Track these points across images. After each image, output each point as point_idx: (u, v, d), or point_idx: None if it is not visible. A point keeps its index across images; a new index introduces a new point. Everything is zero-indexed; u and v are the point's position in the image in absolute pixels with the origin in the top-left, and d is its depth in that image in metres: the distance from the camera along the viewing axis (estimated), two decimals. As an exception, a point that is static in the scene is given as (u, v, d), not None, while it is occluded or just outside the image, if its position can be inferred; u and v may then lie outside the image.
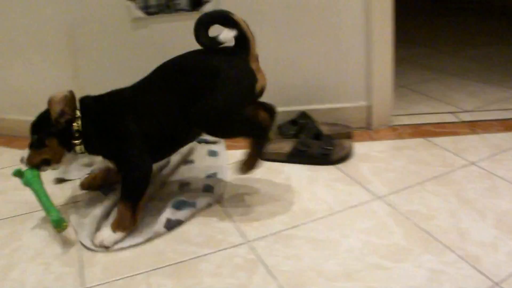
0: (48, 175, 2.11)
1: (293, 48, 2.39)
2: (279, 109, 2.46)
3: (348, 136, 2.38)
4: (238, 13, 2.31)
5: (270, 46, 2.40)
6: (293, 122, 2.43)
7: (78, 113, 1.84)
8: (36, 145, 1.87)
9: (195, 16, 2.33)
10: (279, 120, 2.47)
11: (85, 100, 1.91)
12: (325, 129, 2.35)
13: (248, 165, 1.88)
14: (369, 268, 1.51)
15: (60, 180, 2.33)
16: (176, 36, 2.44)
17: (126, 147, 1.79)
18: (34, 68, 2.79)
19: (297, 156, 2.20)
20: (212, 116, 1.72)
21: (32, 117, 2.91)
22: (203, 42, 1.79)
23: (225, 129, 1.80)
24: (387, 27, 2.32)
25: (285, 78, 2.46)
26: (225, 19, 1.78)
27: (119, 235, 1.74)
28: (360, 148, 2.31)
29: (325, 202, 1.89)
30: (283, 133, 2.40)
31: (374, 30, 2.33)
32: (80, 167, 2.38)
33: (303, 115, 2.42)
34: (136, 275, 1.61)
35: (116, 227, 1.76)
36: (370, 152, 2.26)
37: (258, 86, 1.81)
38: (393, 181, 2.01)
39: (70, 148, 1.83)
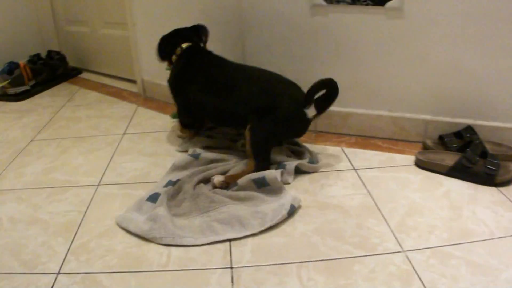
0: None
1: (471, 57, 2.27)
2: (443, 118, 2.38)
3: (512, 159, 2.26)
4: (419, 18, 2.26)
5: (444, 50, 2.30)
6: (458, 135, 2.33)
7: (178, 51, 2.43)
8: None
9: (373, 10, 2.30)
10: (442, 130, 2.38)
11: (193, 47, 2.45)
12: (488, 148, 2.23)
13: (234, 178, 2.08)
14: (530, 305, 1.41)
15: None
16: (353, 28, 2.40)
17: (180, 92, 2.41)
18: (203, 40, 2.82)
19: (460, 172, 2.11)
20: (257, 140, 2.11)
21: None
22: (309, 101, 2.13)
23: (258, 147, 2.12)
24: None
25: (455, 87, 2.35)
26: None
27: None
28: (524, 174, 2.17)
29: (485, 224, 1.79)
30: (445, 144, 2.31)
31: None
32: None
33: (469, 129, 2.32)
34: (286, 264, 1.60)
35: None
36: (534, 181, 2.13)
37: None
38: (560, 216, 1.87)
39: None
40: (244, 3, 2.56)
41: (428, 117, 2.43)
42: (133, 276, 1.55)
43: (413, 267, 1.56)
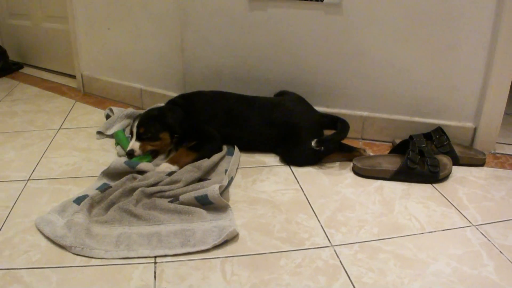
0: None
1: (407, 55, 2.30)
2: (380, 115, 2.40)
3: (481, 164, 2.26)
4: (357, 15, 2.26)
5: (380, 47, 2.32)
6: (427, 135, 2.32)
7: None
8: None
9: (312, 5, 2.30)
10: (379, 126, 2.40)
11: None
12: (457, 151, 2.25)
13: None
14: (455, 298, 1.41)
15: (100, 133, 2.54)
16: (292, 23, 2.39)
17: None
18: (141, 34, 2.80)
19: (406, 174, 2.09)
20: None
21: (126, 82, 2.93)
22: None
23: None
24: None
25: (391, 84, 2.37)
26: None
27: (174, 168, 2.13)
28: (458, 170, 2.19)
29: (416, 219, 1.80)
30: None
31: (498, 50, 2.18)
32: (119, 124, 2.58)
33: (440, 130, 2.34)
34: (210, 258, 1.57)
35: (173, 162, 2.16)
36: (468, 176, 2.15)
37: None
38: (490, 211, 1.88)
39: None
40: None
41: (365, 113, 2.44)
42: (54, 272, 1.51)
43: (340, 262, 1.55)
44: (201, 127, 2.31)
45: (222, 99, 2.39)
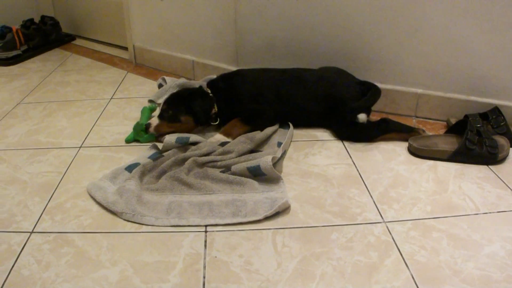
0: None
1: (465, 31, 2.22)
2: (435, 92, 2.34)
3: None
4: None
5: (441, 23, 2.25)
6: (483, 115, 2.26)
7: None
8: None
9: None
10: (434, 104, 2.35)
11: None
12: None
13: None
14: (509, 281, 1.38)
15: (152, 102, 2.53)
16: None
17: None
18: (194, 5, 2.79)
19: (464, 155, 2.03)
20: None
21: (178, 53, 2.92)
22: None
23: None
24: None
25: (447, 60, 2.30)
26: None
27: (228, 139, 2.13)
28: (515, 151, 2.13)
29: (471, 200, 1.75)
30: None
31: None
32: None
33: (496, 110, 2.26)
34: (262, 229, 1.57)
35: (226, 134, 2.16)
36: (525, 158, 2.09)
37: None
38: (548, 194, 1.83)
39: None
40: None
41: (420, 90, 2.39)
42: (105, 237, 1.53)
43: (392, 238, 1.53)
44: (247, 107, 2.27)
45: (264, 77, 2.36)
